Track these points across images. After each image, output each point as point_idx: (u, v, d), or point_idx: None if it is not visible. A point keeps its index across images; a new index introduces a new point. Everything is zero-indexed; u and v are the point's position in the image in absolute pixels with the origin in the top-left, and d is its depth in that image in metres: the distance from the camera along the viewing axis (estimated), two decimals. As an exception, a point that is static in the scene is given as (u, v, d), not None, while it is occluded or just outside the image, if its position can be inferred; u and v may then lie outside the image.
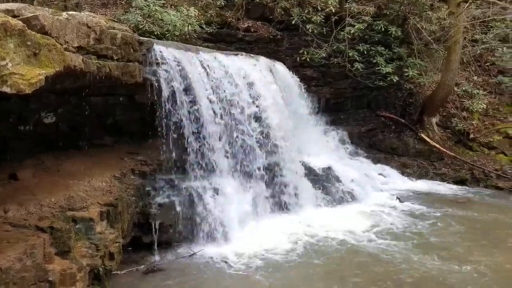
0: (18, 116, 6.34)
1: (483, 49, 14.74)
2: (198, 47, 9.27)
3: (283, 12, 12.33)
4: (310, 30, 11.96)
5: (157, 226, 7.01)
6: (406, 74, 13.03)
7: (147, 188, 7.39)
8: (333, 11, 11.85)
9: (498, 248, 7.53)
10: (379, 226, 8.50)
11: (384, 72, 12.39)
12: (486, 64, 15.52)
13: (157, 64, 7.50)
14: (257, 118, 8.90)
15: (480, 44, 14.56)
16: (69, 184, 6.33)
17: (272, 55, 11.94)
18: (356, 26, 11.91)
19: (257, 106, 8.92)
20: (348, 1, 12.78)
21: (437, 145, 13.09)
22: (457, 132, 13.66)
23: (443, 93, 13.62)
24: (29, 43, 4.20)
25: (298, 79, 11.19)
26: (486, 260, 6.95)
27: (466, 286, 6.09)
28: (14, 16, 4.38)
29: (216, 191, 7.81)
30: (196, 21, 10.74)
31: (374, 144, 13.69)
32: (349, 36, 11.99)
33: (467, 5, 12.83)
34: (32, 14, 4.60)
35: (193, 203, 7.51)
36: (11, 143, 6.49)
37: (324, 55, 12.03)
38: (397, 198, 10.42)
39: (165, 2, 10.57)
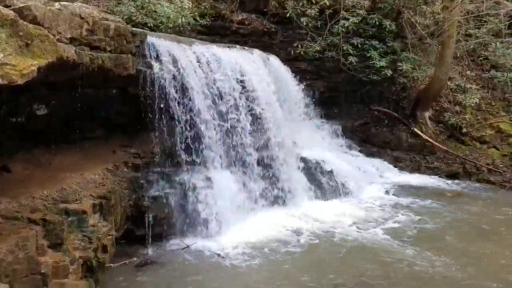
0: (9, 109, 6.27)
1: (477, 44, 14.78)
2: (191, 39, 9.22)
3: (277, 5, 12.30)
4: (304, 24, 11.93)
5: (150, 219, 6.98)
6: (399, 68, 13.05)
7: (140, 181, 7.36)
8: (328, 4, 11.83)
9: (489, 242, 7.61)
10: (372, 220, 8.54)
11: (378, 66, 12.39)
12: (479, 59, 15.57)
13: (151, 56, 7.45)
14: (251, 110, 8.89)
15: (474, 38, 14.59)
16: (62, 176, 6.29)
17: (266, 48, 11.89)
18: (351, 20, 11.90)
19: (251, 99, 8.91)
20: (343, -6, 12.76)
21: (430, 139, 13.15)
22: (449, 126, 13.71)
23: (437, 87, 13.66)
24: (21, 33, 4.16)
25: (292, 73, 11.19)
26: (477, 254, 7.03)
27: (455, 280, 6.15)
28: (6, 6, 4.33)
29: (209, 183, 7.79)
30: (190, 13, 10.68)
31: (367, 138, 13.72)
32: (344, 30, 11.99)
33: (461, -1, 12.86)
34: (24, 4, 4.55)
35: (187, 196, 7.49)
36: (2, 136, 6.42)
37: (318, 48, 12.01)
38: (390, 191, 10.47)
39: (158, -7, 10.49)
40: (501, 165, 12.24)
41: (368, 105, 14.39)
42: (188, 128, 7.87)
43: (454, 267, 6.50)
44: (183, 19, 10.41)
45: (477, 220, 8.73)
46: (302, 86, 11.53)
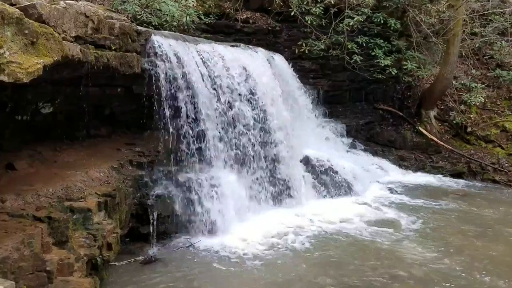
0: (14, 107, 6.30)
1: (482, 43, 14.72)
2: (196, 38, 9.22)
3: (282, 3, 12.25)
4: (309, 22, 11.90)
5: (154, 217, 6.99)
6: (404, 67, 13.03)
7: (145, 179, 7.37)
8: (332, 2, 11.79)
9: (494, 241, 7.57)
10: (376, 218, 8.52)
11: (383, 64, 12.38)
12: (485, 58, 15.51)
13: (155, 54, 7.46)
14: (256, 109, 8.89)
15: (479, 37, 14.54)
16: (67, 174, 6.31)
17: (271, 46, 11.89)
18: (355, 18, 11.86)
19: (255, 98, 8.90)
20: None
21: (435, 138, 13.12)
22: (454, 125, 13.68)
23: (442, 86, 13.62)
24: (26, 31, 4.17)
25: (296, 71, 11.17)
26: (481, 253, 7.01)
27: (458, 279, 6.14)
28: (12, 4, 4.34)
29: (214, 182, 7.79)
30: (194, 11, 10.68)
31: (371, 137, 13.70)
32: (348, 28, 11.96)
33: (466, -2, 12.81)
34: (29, 3, 4.57)
35: (191, 194, 7.49)
36: (7, 134, 6.44)
37: (322, 47, 11.99)
38: (394, 190, 10.45)
39: (163, -9, 10.48)
40: (506, 165, 12.19)
41: (373, 104, 14.38)
42: (193, 127, 7.88)
43: (460, 266, 6.48)
44: (188, 18, 10.41)
45: (483, 220, 8.69)
46: (306, 84, 11.50)
